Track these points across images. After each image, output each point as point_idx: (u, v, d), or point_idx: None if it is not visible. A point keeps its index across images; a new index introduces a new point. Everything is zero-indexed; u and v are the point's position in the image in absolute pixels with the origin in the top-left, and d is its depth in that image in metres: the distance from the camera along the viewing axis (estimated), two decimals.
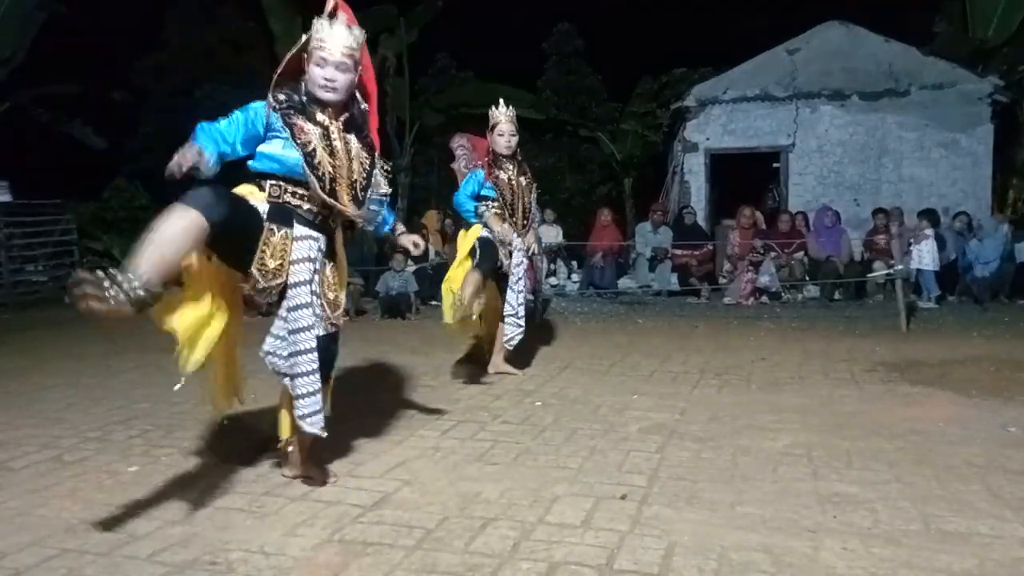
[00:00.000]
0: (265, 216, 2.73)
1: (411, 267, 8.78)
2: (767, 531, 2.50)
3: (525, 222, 4.97)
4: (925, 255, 8.29)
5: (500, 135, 4.81)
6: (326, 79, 2.79)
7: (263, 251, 2.70)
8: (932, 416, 3.88)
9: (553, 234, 10.05)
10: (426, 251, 9.45)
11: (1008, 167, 10.89)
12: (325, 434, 2.85)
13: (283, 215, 2.77)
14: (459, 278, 4.66)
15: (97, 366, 5.71)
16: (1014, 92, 10.50)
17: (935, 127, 10.25)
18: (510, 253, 4.84)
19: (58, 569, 2.31)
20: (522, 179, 4.95)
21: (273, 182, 2.77)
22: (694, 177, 11.10)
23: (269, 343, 2.85)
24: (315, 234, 2.84)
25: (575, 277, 10.09)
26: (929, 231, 8.44)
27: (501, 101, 4.87)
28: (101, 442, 3.66)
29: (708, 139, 10.99)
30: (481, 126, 4.98)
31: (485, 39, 14.33)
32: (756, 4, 15.50)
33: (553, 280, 9.81)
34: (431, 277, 9.16)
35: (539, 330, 7.18)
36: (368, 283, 9.12)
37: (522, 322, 4.95)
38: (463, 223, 5.03)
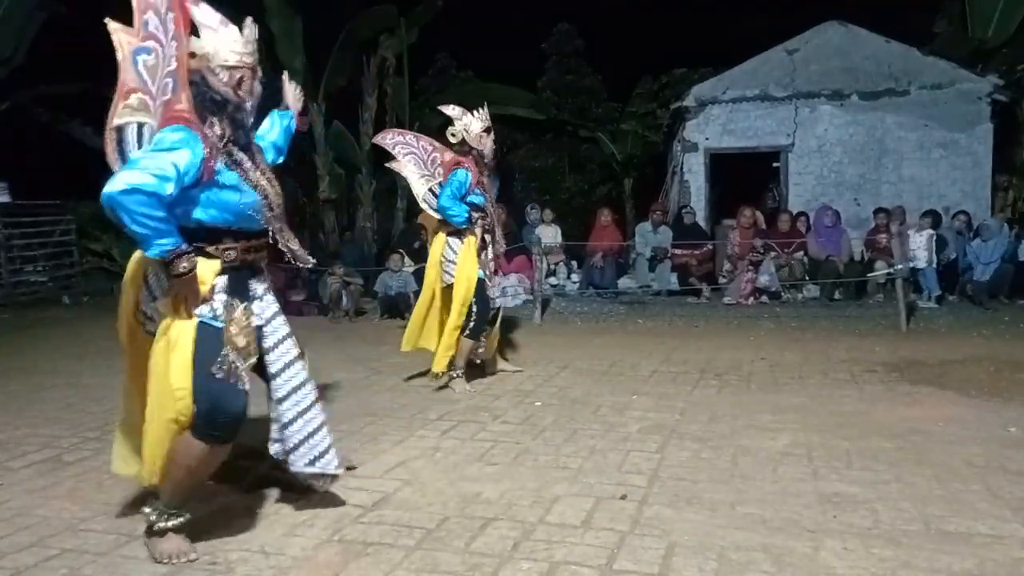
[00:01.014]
0: (223, 301, 2.39)
1: (409, 267, 8.77)
2: (767, 531, 2.50)
3: (497, 231, 4.90)
4: (920, 253, 8.27)
5: (494, 140, 4.73)
6: (255, 94, 2.49)
7: (228, 331, 2.38)
8: (932, 416, 3.88)
9: (552, 234, 10.04)
10: (425, 251, 9.45)
11: (1008, 167, 10.88)
12: (337, 469, 2.69)
13: (239, 284, 2.44)
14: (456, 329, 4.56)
15: (97, 366, 5.71)
16: (1013, 91, 10.48)
17: (935, 127, 10.25)
18: (491, 274, 4.75)
19: (58, 569, 2.31)
20: (491, 183, 4.86)
21: (226, 245, 2.39)
22: (694, 177, 11.09)
23: (273, 431, 2.62)
24: (265, 283, 2.58)
25: (575, 277, 10.08)
26: (925, 232, 8.43)
27: (486, 104, 4.75)
28: (101, 442, 3.66)
29: (708, 139, 10.98)
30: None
31: (485, 39, 14.30)
32: (756, 4, 15.49)
33: (553, 280, 9.80)
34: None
35: (539, 330, 7.18)
36: (367, 283, 9.12)
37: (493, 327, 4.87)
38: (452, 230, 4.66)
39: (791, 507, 2.70)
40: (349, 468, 3.11)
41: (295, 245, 2.68)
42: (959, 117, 10.17)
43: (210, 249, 2.38)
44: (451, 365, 4.67)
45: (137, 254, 2.43)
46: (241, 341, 2.40)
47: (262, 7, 11.80)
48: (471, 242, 4.58)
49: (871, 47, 10.43)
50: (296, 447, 2.59)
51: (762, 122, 10.75)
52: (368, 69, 12.88)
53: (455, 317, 4.56)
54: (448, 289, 4.65)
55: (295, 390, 2.59)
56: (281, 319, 2.62)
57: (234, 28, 2.44)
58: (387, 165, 5.23)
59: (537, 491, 2.89)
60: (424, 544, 2.44)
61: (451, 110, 4.75)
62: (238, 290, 2.44)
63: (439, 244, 4.71)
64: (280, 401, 2.58)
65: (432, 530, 2.55)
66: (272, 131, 3.02)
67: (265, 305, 2.56)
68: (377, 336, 7.07)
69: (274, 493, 2.90)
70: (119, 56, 2.39)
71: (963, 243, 8.74)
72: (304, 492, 2.79)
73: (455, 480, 3.04)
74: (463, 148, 4.67)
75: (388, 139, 5.04)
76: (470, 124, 4.64)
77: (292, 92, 3.18)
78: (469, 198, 4.58)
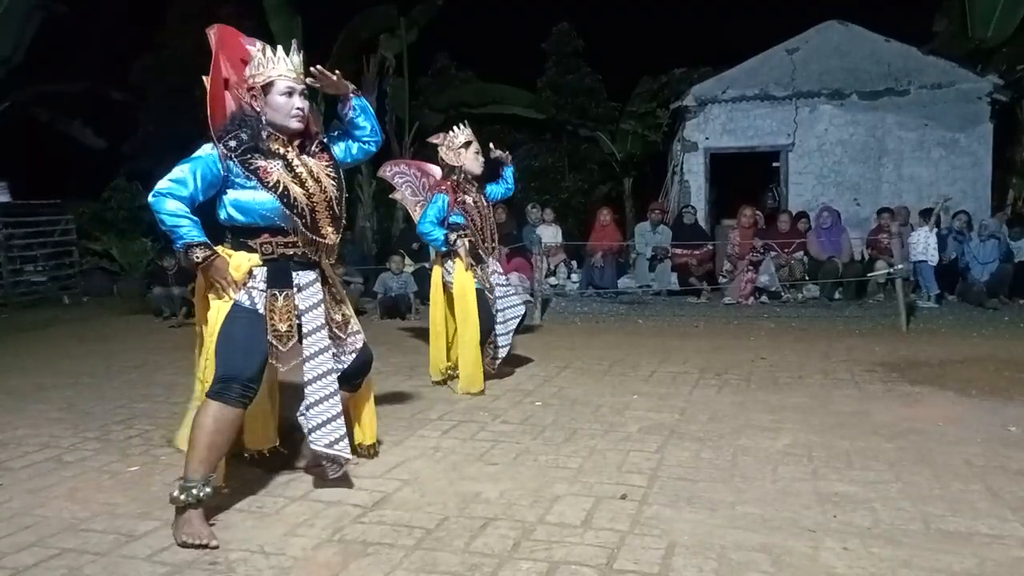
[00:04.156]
0: (263, 289, 2.67)
1: (410, 267, 8.78)
2: (767, 531, 2.50)
3: (494, 244, 4.89)
4: (920, 244, 8.27)
5: (476, 153, 4.71)
6: (298, 108, 2.73)
7: (271, 319, 2.69)
8: (932, 416, 3.88)
9: (552, 234, 10.05)
10: (426, 251, 9.45)
11: (1008, 166, 10.88)
12: (351, 456, 2.93)
13: (281, 275, 2.71)
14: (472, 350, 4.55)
15: (97, 366, 5.71)
16: (1013, 91, 10.49)
17: (935, 126, 10.25)
18: (491, 286, 4.76)
19: (58, 569, 2.31)
20: (482, 198, 4.82)
21: (263, 240, 2.68)
22: (694, 177, 11.09)
23: (302, 408, 2.85)
24: (313, 274, 2.81)
25: (575, 277, 10.08)
26: (925, 228, 8.43)
27: (465, 121, 4.81)
28: (101, 442, 3.67)
29: (708, 139, 10.99)
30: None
31: (485, 39, 14.30)
32: (756, 4, 15.50)
33: (553, 280, 9.80)
34: (430, 277, 9.17)
35: (539, 330, 7.18)
36: (368, 283, 9.12)
37: (511, 338, 4.93)
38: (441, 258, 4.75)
39: (791, 507, 2.70)
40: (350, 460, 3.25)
41: (330, 240, 2.79)
42: (959, 117, 10.17)
43: (251, 243, 2.68)
44: (455, 368, 4.72)
45: None
46: (282, 327, 2.71)
47: (262, 7, 11.82)
48: (459, 263, 4.61)
49: (871, 47, 10.43)
50: (318, 427, 2.79)
51: (762, 122, 10.76)
52: (368, 69, 12.86)
53: (468, 334, 4.55)
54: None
55: (321, 376, 2.79)
56: (320, 310, 2.81)
57: (258, 52, 2.76)
58: (391, 196, 5.40)
59: (537, 491, 2.89)
60: (424, 544, 2.44)
61: (434, 139, 4.90)
62: (279, 281, 2.71)
63: (437, 273, 4.80)
64: (308, 383, 2.78)
65: (432, 530, 2.55)
66: (351, 120, 2.99)
67: (307, 296, 2.77)
68: (377, 336, 7.06)
69: (274, 493, 2.90)
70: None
71: (963, 243, 8.75)
72: (318, 475, 2.98)
73: (455, 480, 3.04)
74: (449, 169, 4.75)
75: (388, 172, 5.18)
76: (452, 140, 4.72)
77: (334, 81, 3.03)
78: (451, 219, 4.64)
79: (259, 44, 2.81)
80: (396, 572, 2.26)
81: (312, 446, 2.82)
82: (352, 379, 3.01)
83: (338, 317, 2.95)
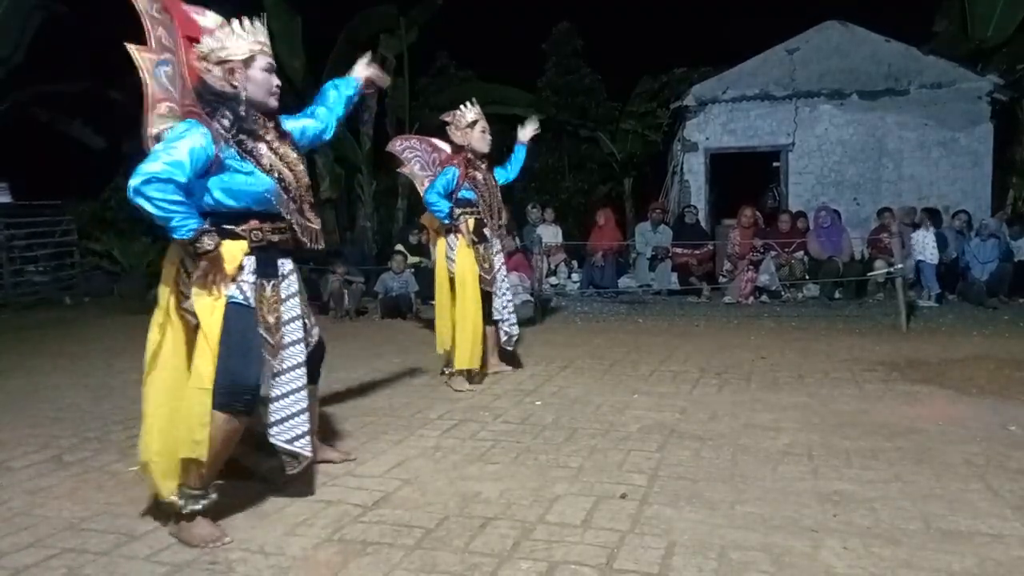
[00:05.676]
0: (253, 280, 2.55)
1: (412, 263, 8.78)
2: (767, 530, 2.50)
3: (501, 223, 4.96)
4: (920, 243, 8.27)
5: (483, 131, 4.77)
6: (277, 86, 2.66)
7: (260, 310, 2.58)
8: (932, 415, 3.88)
9: (553, 233, 10.05)
10: (427, 250, 9.45)
11: (1008, 166, 10.88)
12: (311, 454, 2.79)
13: (268, 263, 2.61)
14: (472, 326, 4.61)
15: (97, 366, 5.71)
16: (1013, 91, 10.50)
17: (935, 126, 10.26)
18: (491, 264, 4.79)
19: (58, 569, 2.31)
20: (491, 176, 4.91)
21: (252, 226, 2.55)
22: (694, 177, 11.10)
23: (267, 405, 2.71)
24: (291, 263, 2.73)
25: (575, 277, 10.09)
26: (926, 227, 8.44)
27: (474, 99, 4.85)
28: (101, 442, 3.67)
29: (708, 139, 11.00)
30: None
31: (485, 39, 14.32)
32: (756, 4, 15.50)
33: (553, 280, 9.81)
34: (430, 277, 9.16)
35: (539, 330, 7.18)
36: (369, 283, 9.12)
37: (515, 321, 4.99)
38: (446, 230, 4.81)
39: (791, 506, 2.70)
40: (348, 460, 3.28)
41: (316, 225, 2.77)
42: (959, 116, 10.18)
43: (238, 230, 2.53)
44: (449, 363, 4.74)
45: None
46: (271, 319, 2.61)
47: (261, 7, 11.81)
48: (461, 240, 4.70)
49: (871, 47, 10.44)
50: (279, 421, 2.70)
51: (762, 122, 10.77)
52: None
53: (466, 313, 4.63)
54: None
55: (292, 368, 2.72)
56: (297, 299, 2.75)
57: (227, 27, 2.60)
58: (398, 170, 5.44)
59: (537, 490, 2.89)
60: (424, 544, 2.44)
61: (445, 116, 4.94)
62: (267, 270, 2.61)
63: (442, 245, 4.86)
64: (277, 375, 2.68)
65: (432, 530, 2.55)
66: (324, 105, 3.17)
67: (288, 284, 2.71)
68: (378, 336, 7.07)
69: (274, 493, 2.90)
70: (142, 74, 2.62)
71: (963, 243, 8.75)
72: (277, 478, 2.85)
73: (455, 479, 3.04)
74: (457, 146, 4.83)
75: (397, 146, 5.23)
76: (460, 119, 4.78)
77: (365, 67, 3.36)
78: (460, 193, 4.71)
79: (211, 14, 2.66)
80: (396, 572, 2.26)
81: (272, 440, 2.70)
82: (313, 370, 2.91)
83: (305, 307, 2.86)
